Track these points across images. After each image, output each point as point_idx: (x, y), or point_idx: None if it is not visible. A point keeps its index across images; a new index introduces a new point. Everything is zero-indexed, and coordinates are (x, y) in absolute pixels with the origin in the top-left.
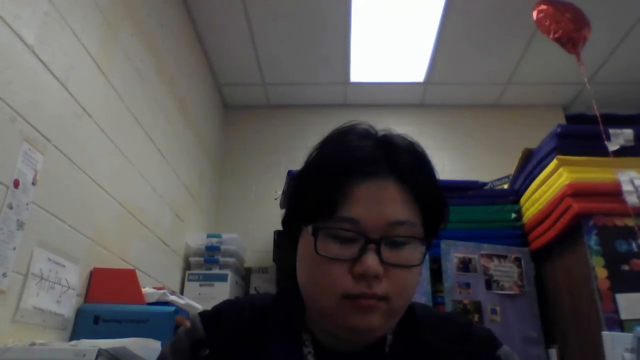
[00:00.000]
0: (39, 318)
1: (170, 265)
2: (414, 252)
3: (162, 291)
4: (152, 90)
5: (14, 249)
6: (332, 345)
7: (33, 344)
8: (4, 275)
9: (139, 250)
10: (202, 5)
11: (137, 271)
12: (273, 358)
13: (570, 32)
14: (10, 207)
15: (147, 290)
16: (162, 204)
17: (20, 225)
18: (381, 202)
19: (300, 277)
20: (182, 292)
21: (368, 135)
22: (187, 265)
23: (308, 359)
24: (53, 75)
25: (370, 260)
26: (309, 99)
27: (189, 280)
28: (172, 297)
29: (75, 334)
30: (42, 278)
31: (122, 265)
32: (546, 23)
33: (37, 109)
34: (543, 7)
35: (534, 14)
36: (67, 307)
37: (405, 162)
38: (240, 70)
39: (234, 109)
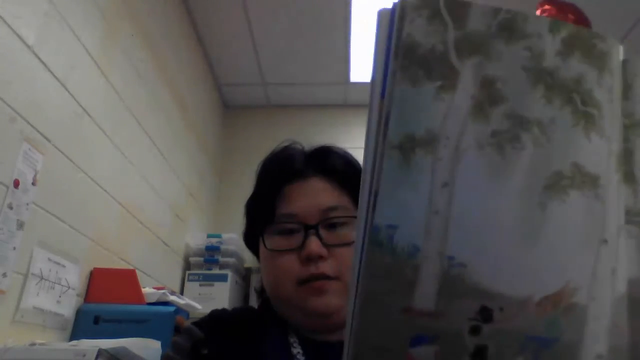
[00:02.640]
0: (39, 318)
1: (170, 265)
2: (354, 230)
3: (162, 291)
4: (152, 90)
5: (14, 249)
6: (316, 337)
7: (33, 344)
8: (4, 275)
9: (139, 250)
10: (202, 5)
11: (137, 271)
12: (269, 355)
13: None
14: (10, 207)
15: (147, 290)
16: (162, 204)
17: (20, 225)
18: (312, 195)
19: (264, 280)
20: (182, 292)
21: (295, 149)
22: (187, 265)
23: (295, 348)
24: (53, 75)
25: (313, 244)
26: (309, 99)
27: (189, 280)
28: (172, 297)
29: (75, 334)
30: (42, 278)
31: (122, 265)
32: None
33: (37, 109)
34: (547, 7)
35: (537, 13)
36: (67, 307)
37: (324, 161)
38: (240, 70)
39: (234, 109)
